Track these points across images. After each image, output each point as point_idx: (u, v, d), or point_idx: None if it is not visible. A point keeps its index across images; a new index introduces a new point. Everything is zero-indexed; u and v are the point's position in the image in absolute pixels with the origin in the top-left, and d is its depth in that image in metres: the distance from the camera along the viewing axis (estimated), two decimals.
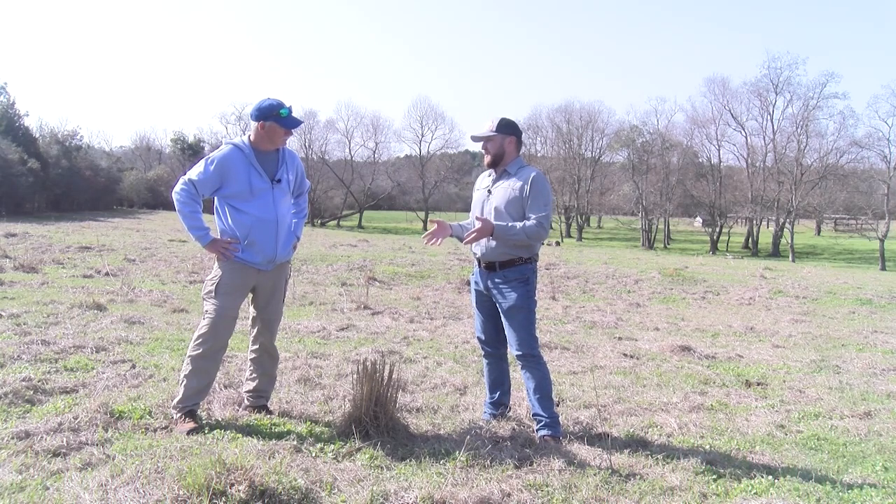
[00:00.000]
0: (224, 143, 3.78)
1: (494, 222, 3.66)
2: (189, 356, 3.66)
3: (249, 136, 3.73)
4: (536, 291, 3.92)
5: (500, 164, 3.85)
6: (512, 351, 3.84)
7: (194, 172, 3.64)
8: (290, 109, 3.67)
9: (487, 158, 3.85)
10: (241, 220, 3.66)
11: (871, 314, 10.34)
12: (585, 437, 3.69)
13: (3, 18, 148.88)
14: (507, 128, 3.83)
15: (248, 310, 4.01)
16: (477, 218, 3.72)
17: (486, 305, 3.95)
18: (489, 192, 3.87)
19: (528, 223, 3.66)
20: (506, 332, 3.85)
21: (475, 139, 3.89)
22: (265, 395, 3.97)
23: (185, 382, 3.64)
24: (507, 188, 3.77)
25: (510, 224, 3.66)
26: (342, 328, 6.94)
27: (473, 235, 3.64)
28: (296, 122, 3.72)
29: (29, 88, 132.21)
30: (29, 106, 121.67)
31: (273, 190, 3.71)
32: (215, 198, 3.73)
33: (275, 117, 3.64)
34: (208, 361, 3.66)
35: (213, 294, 3.66)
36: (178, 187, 3.64)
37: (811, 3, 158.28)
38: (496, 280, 3.80)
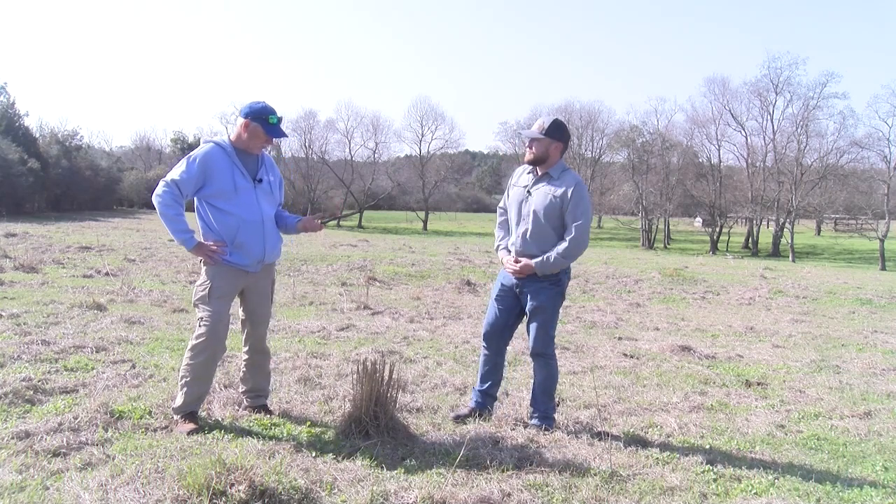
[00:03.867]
0: (203, 141, 3.71)
1: (534, 262, 3.76)
2: (188, 364, 3.59)
3: (230, 136, 3.69)
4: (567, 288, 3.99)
5: (542, 167, 3.87)
6: (529, 346, 3.92)
7: (176, 172, 3.53)
8: (279, 119, 3.64)
9: (529, 156, 3.86)
10: (226, 221, 3.59)
11: (871, 314, 10.34)
12: (585, 437, 3.69)
13: (3, 18, 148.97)
14: (557, 132, 3.83)
15: (236, 312, 3.95)
16: (516, 261, 3.84)
17: (508, 301, 3.97)
18: (529, 192, 3.87)
19: (564, 246, 3.74)
20: (527, 329, 3.92)
21: (522, 136, 3.91)
22: (263, 393, 3.96)
23: (185, 390, 3.59)
24: (549, 193, 3.79)
25: (546, 258, 3.74)
26: (342, 328, 6.93)
27: (516, 272, 3.83)
28: (280, 133, 3.69)
29: (29, 88, 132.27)
30: (29, 106, 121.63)
31: (255, 189, 3.67)
32: (195, 200, 3.64)
33: (262, 121, 3.60)
34: (208, 367, 3.63)
35: (206, 300, 3.58)
36: (159, 189, 3.51)
37: (811, 3, 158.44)
38: (529, 279, 3.84)
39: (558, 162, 3.88)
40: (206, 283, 3.61)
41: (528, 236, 3.82)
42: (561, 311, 4.06)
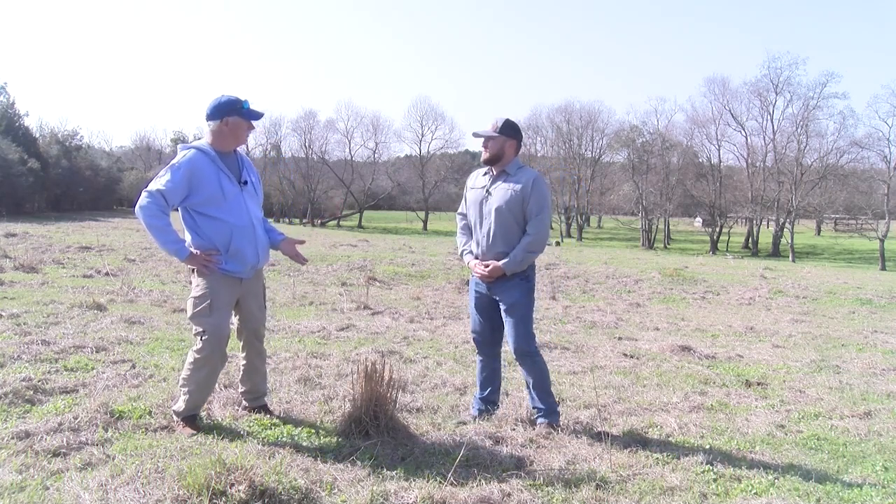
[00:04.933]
0: (181, 147, 3.56)
1: (501, 263, 3.77)
2: (190, 376, 3.53)
3: (207, 140, 3.56)
4: (536, 289, 3.97)
5: (498, 165, 3.89)
6: (510, 348, 3.89)
7: (161, 182, 3.36)
8: (248, 102, 3.57)
9: (485, 156, 3.89)
10: (218, 228, 3.48)
11: (871, 314, 10.34)
12: (585, 437, 3.69)
13: (3, 18, 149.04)
14: (510, 130, 3.87)
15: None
16: (485, 264, 3.84)
17: (485, 306, 3.98)
18: (488, 192, 3.88)
19: (528, 240, 3.76)
20: (505, 330, 3.89)
21: (476, 136, 3.93)
22: (261, 393, 3.95)
23: (187, 398, 3.56)
24: (508, 189, 3.81)
25: (513, 256, 3.75)
26: (342, 328, 6.93)
27: (485, 276, 3.83)
28: (258, 114, 3.62)
29: (29, 88, 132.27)
30: (29, 106, 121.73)
31: (243, 193, 3.59)
32: (180, 210, 3.52)
33: (238, 111, 3.52)
34: (210, 379, 3.60)
35: (208, 312, 3.47)
36: (143, 201, 3.33)
37: (811, 3, 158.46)
38: (498, 280, 3.83)
39: (514, 159, 3.91)
40: (207, 296, 3.48)
41: (492, 234, 3.83)
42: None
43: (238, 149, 3.71)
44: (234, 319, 3.80)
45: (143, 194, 3.37)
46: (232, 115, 3.52)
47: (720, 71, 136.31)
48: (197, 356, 3.52)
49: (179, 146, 3.62)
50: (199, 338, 3.51)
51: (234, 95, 3.56)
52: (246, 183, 3.63)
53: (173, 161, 3.49)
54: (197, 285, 3.53)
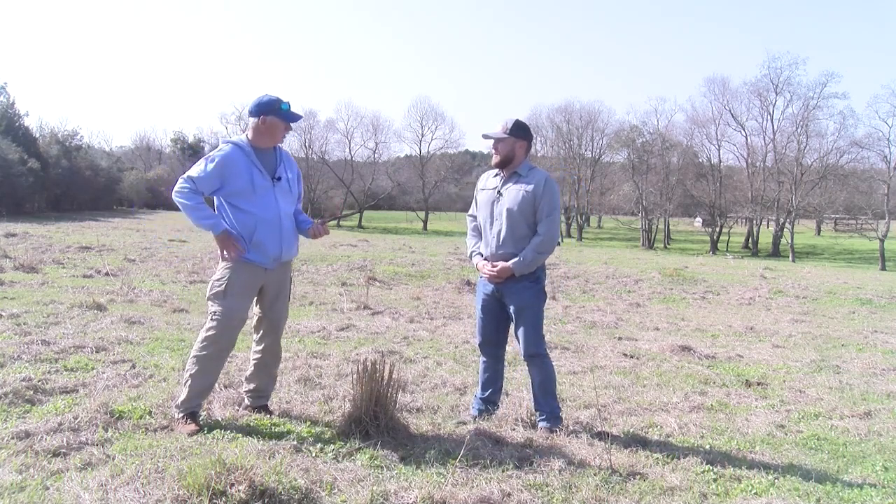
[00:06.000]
0: (222, 142, 3.76)
1: (510, 263, 3.75)
2: (195, 357, 3.62)
3: (248, 135, 3.73)
4: (546, 285, 3.97)
5: (509, 167, 3.87)
6: (520, 350, 3.89)
7: (195, 170, 3.61)
8: (289, 104, 3.71)
9: (496, 159, 3.87)
10: (244, 220, 3.64)
11: (871, 314, 10.34)
12: (585, 436, 3.69)
13: (3, 18, 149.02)
14: (520, 131, 3.85)
15: (251, 310, 3.98)
16: (493, 264, 3.83)
17: (492, 308, 3.96)
18: (499, 193, 3.87)
19: (538, 240, 3.75)
20: (515, 332, 3.88)
21: (486, 137, 3.91)
22: (266, 394, 3.97)
23: (189, 383, 3.60)
24: (519, 190, 3.80)
25: (522, 257, 3.74)
26: (342, 328, 6.93)
27: (494, 277, 3.81)
28: (296, 116, 3.76)
29: (29, 88, 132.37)
30: (29, 106, 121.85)
31: (274, 188, 3.72)
32: (215, 198, 3.70)
33: (276, 111, 3.67)
34: (215, 362, 3.65)
35: (222, 295, 3.62)
36: (178, 185, 3.60)
37: (811, 3, 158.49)
38: (507, 282, 3.82)
39: (524, 161, 3.89)
40: (223, 280, 3.64)
41: (502, 236, 3.81)
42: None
43: (279, 145, 3.85)
44: (256, 309, 3.88)
45: (179, 180, 3.62)
46: (270, 114, 3.67)
47: (720, 71, 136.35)
48: (206, 335, 3.62)
49: (222, 140, 3.87)
50: (210, 317, 3.64)
51: (275, 96, 3.71)
52: (280, 179, 3.75)
53: (211, 153, 3.70)
54: (219, 268, 3.70)
